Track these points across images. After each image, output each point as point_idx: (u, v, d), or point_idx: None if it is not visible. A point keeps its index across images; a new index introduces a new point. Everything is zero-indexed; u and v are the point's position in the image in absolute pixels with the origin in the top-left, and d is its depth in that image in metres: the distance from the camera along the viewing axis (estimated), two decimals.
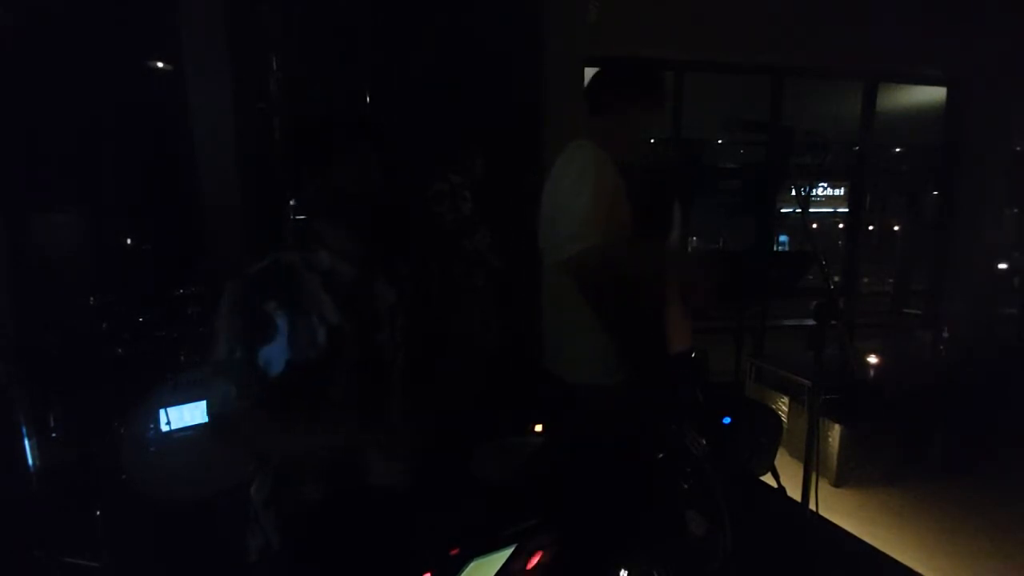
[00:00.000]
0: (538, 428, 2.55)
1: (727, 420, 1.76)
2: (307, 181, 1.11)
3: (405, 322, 1.23)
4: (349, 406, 1.11)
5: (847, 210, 4.83)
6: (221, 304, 1.05)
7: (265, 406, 1.03)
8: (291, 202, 2.38)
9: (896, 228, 6.52)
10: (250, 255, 1.11)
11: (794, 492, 1.80)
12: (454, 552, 0.91)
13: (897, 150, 5.58)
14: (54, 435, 2.30)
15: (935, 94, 4.57)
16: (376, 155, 1.10)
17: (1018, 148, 4.87)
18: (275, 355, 1.03)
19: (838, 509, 2.74)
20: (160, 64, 2.82)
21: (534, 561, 1.00)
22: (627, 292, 1.47)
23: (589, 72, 3.34)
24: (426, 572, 0.91)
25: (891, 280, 5.85)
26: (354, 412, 1.11)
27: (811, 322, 1.68)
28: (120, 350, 2.32)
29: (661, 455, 1.63)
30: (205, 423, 1.13)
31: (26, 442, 2.16)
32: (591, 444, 1.59)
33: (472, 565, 0.91)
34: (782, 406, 3.40)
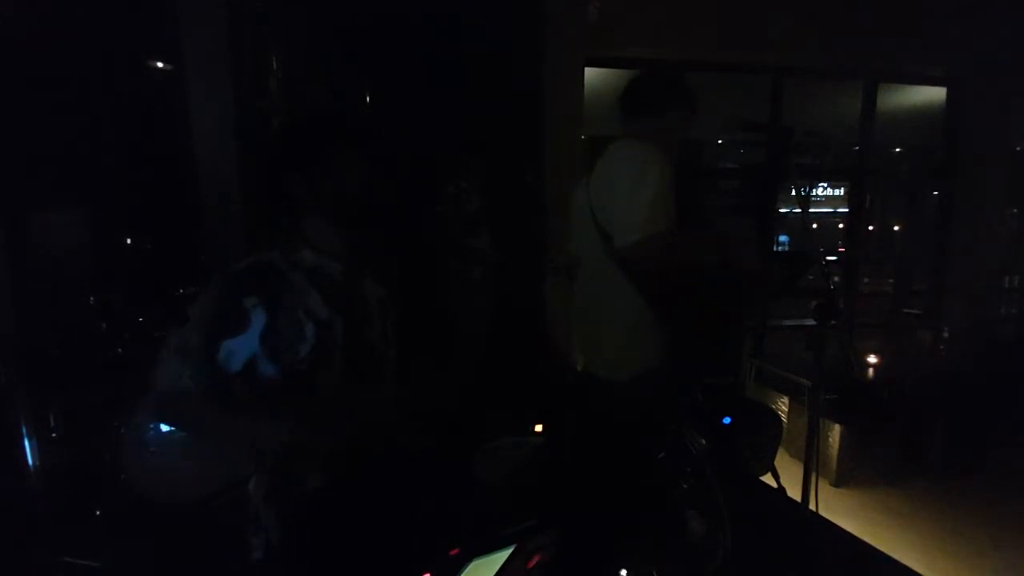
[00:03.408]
0: (538, 428, 2.55)
1: (727, 420, 1.76)
2: (291, 179, 1.11)
3: (397, 317, 1.24)
4: (340, 401, 1.11)
5: (847, 210, 4.82)
6: (202, 302, 1.05)
7: (255, 402, 1.03)
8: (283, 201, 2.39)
9: (896, 228, 6.52)
10: (250, 255, 1.11)
11: (794, 492, 1.80)
12: (454, 552, 0.91)
13: (897, 150, 5.57)
14: (54, 435, 2.30)
15: (935, 94, 4.57)
16: (359, 153, 1.10)
17: (1018, 148, 4.86)
18: (259, 351, 1.03)
19: (838, 509, 2.74)
20: (160, 64, 2.82)
21: (534, 561, 1.00)
22: (689, 278, 1.56)
23: (589, 72, 3.36)
24: (425, 572, 0.91)
25: (891, 280, 5.83)
26: (346, 407, 1.11)
27: (811, 322, 1.68)
28: (120, 350, 2.32)
29: (661, 455, 1.63)
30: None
31: (26, 442, 2.16)
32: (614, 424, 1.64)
33: (472, 565, 0.91)
34: (782, 406, 3.40)
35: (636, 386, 1.65)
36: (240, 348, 1.02)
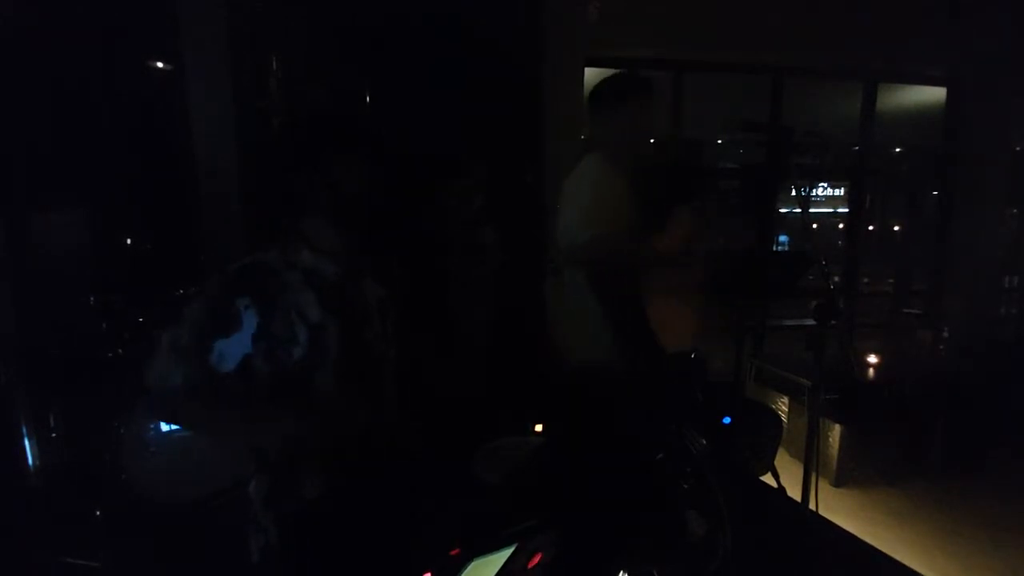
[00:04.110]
0: (538, 428, 2.55)
1: (727, 420, 1.77)
2: (291, 179, 1.11)
3: (397, 317, 1.24)
4: (339, 402, 1.11)
5: (847, 210, 4.82)
6: (195, 300, 1.05)
7: (252, 402, 1.03)
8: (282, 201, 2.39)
9: (896, 228, 6.51)
10: (250, 255, 1.11)
11: (794, 492, 1.81)
12: (454, 552, 0.91)
13: (897, 150, 5.57)
14: (54, 435, 2.30)
15: (935, 94, 4.57)
16: (359, 153, 1.10)
17: (1018, 148, 4.86)
18: (252, 352, 1.03)
19: (838, 509, 2.74)
20: (160, 64, 2.82)
21: (534, 561, 1.00)
22: (628, 279, 1.65)
23: (589, 72, 3.36)
24: (426, 572, 0.91)
25: (891, 280, 5.83)
26: (345, 408, 1.11)
27: (811, 322, 1.68)
28: (120, 350, 2.32)
29: (661, 455, 1.63)
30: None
31: (26, 442, 2.16)
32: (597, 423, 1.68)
33: (472, 565, 0.91)
34: (782, 406, 3.40)
35: (605, 384, 1.69)
36: (232, 348, 1.02)
